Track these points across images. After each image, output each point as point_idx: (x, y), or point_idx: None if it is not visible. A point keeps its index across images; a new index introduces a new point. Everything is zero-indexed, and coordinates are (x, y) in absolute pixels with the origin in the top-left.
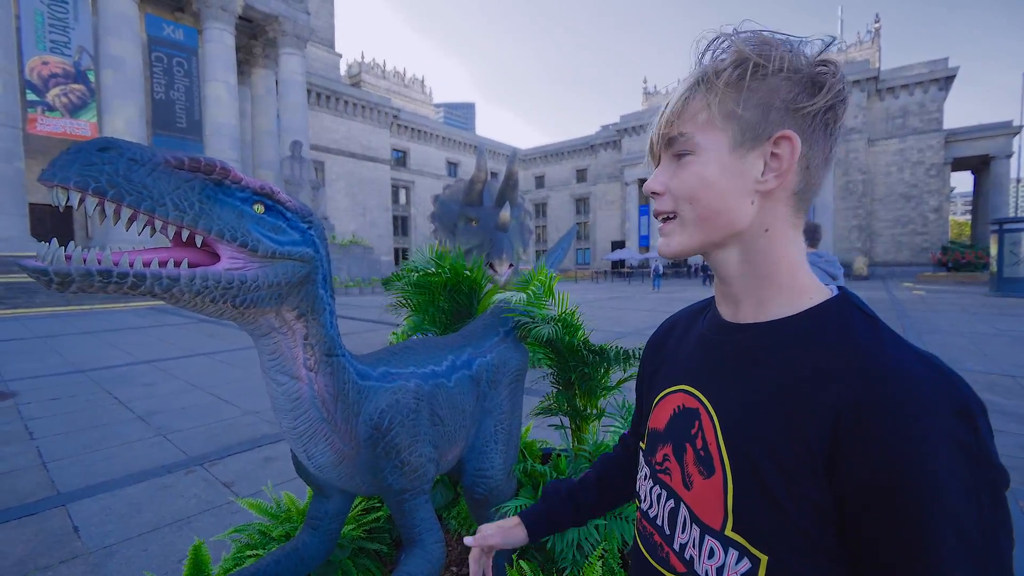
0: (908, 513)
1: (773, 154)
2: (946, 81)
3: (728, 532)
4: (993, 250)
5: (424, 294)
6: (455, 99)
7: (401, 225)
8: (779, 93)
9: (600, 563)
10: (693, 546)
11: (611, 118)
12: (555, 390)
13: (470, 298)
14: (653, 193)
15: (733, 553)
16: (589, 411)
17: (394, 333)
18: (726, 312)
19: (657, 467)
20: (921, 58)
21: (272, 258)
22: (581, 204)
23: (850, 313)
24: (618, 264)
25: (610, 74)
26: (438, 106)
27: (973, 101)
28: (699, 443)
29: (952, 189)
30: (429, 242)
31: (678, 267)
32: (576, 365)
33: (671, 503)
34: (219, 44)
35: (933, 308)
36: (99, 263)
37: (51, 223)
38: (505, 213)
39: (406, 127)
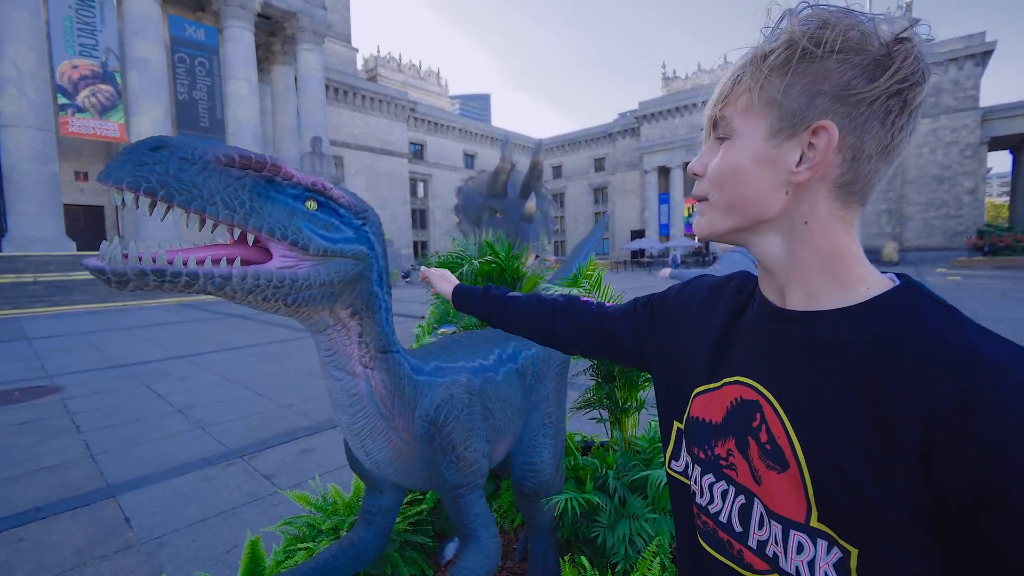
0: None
1: (811, 144)
2: (983, 56)
3: (814, 523)
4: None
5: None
6: (470, 90)
7: (419, 218)
8: (830, 77)
9: (657, 560)
10: (776, 543)
11: (629, 105)
12: (595, 382)
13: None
14: (695, 174)
15: (822, 544)
16: (629, 404)
17: (420, 326)
18: (773, 299)
19: (722, 462)
20: (955, 33)
21: (324, 256)
22: (599, 193)
23: (921, 300)
24: (638, 253)
25: (627, 60)
26: (454, 98)
27: (1013, 77)
28: (763, 437)
29: (989, 170)
30: (452, 235)
31: (698, 255)
32: None
33: (741, 499)
34: (239, 42)
35: (970, 293)
36: (154, 262)
37: (84, 222)
38: (531, 204)
39: (423, 120)
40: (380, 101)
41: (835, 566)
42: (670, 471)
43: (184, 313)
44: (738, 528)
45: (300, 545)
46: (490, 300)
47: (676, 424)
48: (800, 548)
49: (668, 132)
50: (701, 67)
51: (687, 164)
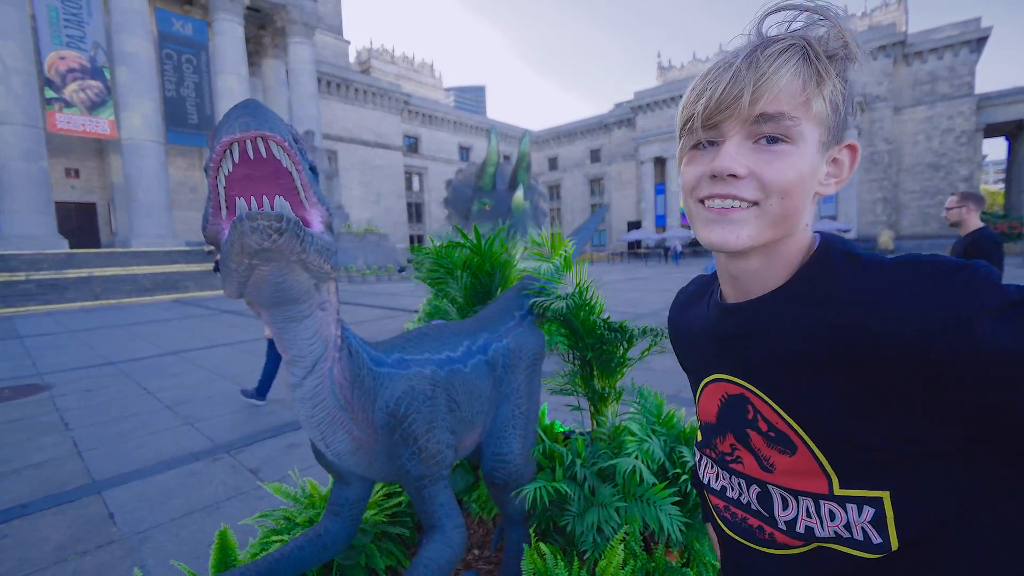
0: (994, 373)
1: (835, 160)
2: (978, 43)
3: (838, 492)
4: None
5: (446, 271)
6: (465, 82)
7: (415, 212)
8: (848, 96)
9: (622, 546)
10: (808, 516)
11: (625, 95)
12: (572, 368)
13: (491, 277)
14: (733, 175)
15: (852, 507)
16: (608, 392)
17: (411, 321)
18: (729, 294)
19: (727, 457)
20: (950, 19)
21: (331, 221)
22: (595, 185)
23: (833, 259)
24: (634, 245)
25: (624, 50)
26: (448, 90)
27: (1008, 63)
28: (763, 427)
29: (984, 157)
30: (444, 227)
31: (696, 245)
32: (593, 343)
33: (756, 488)
34: (229, 36)
35: None
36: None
37: (76, 220)
38: (518, 196)
39: (417, 113)
40: (373, 94)
41: (871, 523)
42: (704, 476)
43: (178, 310)
44: (764, 513)
45: (275, 537)
46: None
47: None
48: (832, 516)
49: (664, 122)
50: (696, 56)
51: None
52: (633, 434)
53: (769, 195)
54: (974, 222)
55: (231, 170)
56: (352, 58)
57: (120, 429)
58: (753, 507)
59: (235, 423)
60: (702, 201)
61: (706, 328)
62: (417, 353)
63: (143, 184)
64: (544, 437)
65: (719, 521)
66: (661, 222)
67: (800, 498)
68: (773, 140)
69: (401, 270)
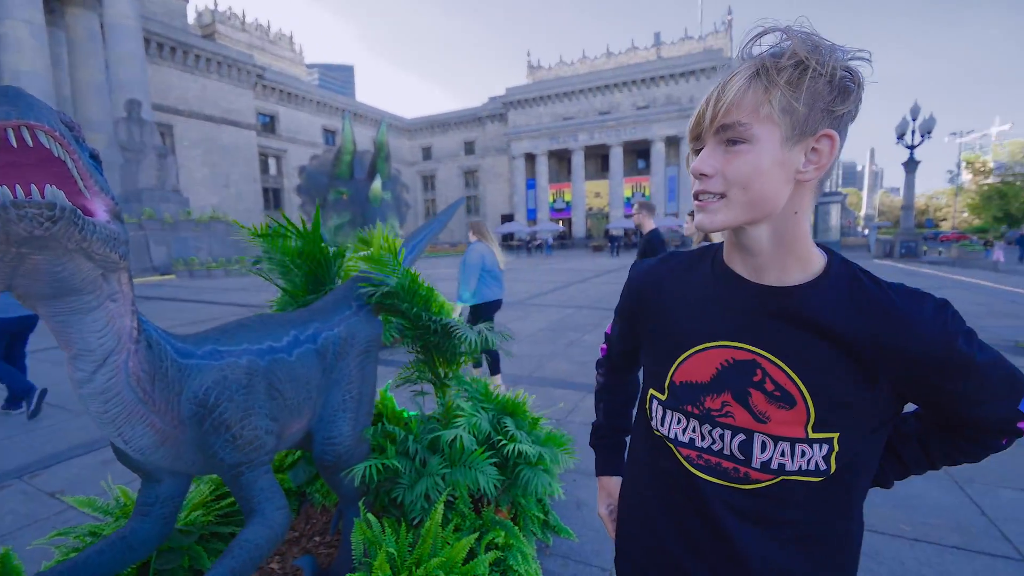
0: (956, 371)
1: (814, 149)
2: None
3: (811, 435)
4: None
5: (287, 261)
6: (331, 60)
7: (272, 197)
8: (822, 95)
9: (443, 508)
10: (782, 455)
11: (497, 91)
12: (416, 356)
13: (327, 268)
14: (703, 174)
15: (816, 446)
16: (450, 377)
17: None
18: (749, 276)
19: (714, 413)
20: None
21: (118, 210)
22: (470, 177)
23: (852, 269)
24: (507, 237)
25: (498, 44)
26: (311, 67)
27: None
28: (769, 387)
29: None
30: (301, 216)
31: (564, 239)
32: (422, 334)
33: (741, 436)
34: None
35: None
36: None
37: None
38: (376, 186)
39: (274, 89)
40: (219, 63)
41: (823, 457)
42: (657, 432)
43: None
44: (740, 457)
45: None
46: (612, 435)
47: (654, 392)
48: (803, 453)
49: (534, 119)
50: (563, 60)
51: (551, 152)
52: (464, 410)
53: (731, 186)
54: (649, 224)
55: None
56: (191, 19)
57: None
58: (728, 452)
59: (30, 444)
60: (696, 196)
61: (721, 302)
62: (233, 344)
63: None
64: (384, 418)
65: (687, 467)
66: (532, 215)
67: (779, 442)
68: (733, 142)
69: (256, 262)
